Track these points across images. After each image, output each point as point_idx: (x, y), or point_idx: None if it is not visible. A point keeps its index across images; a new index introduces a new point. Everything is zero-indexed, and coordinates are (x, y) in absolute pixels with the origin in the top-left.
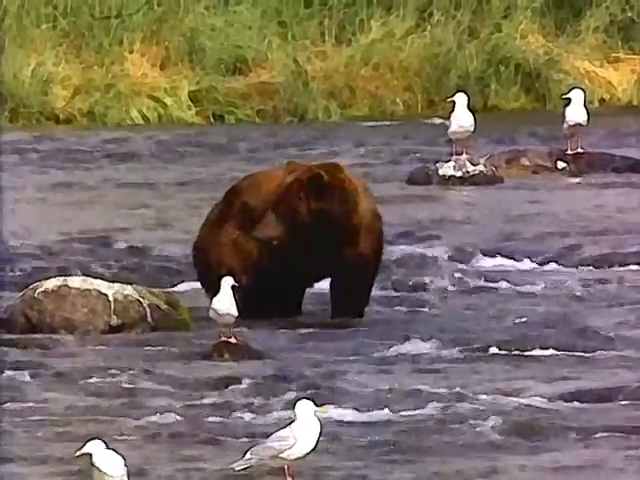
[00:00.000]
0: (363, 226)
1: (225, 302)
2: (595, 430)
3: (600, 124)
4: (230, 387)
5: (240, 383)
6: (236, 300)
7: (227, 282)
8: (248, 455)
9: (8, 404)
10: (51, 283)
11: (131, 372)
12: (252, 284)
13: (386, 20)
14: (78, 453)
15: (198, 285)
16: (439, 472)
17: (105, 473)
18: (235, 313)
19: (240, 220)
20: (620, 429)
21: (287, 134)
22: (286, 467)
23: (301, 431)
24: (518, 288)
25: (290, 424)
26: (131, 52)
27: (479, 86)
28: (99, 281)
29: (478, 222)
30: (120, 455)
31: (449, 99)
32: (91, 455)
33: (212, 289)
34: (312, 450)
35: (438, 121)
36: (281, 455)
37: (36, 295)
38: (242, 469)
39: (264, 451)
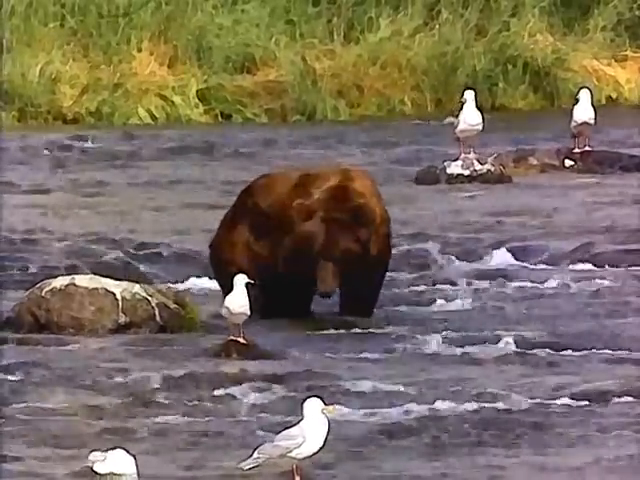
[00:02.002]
0: (372, 229)
1: (239, 301)
2: None
3: (608, 122)
4: (237, 387)
5: (248, 383)
6: (250, 299)
7: (240, 280)
8: (256, 454)
9: (15, 403)
10: (58, 282)
11: (139, 371)
12: (261, 284)
13: (394, 19)
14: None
15: None
16: None
17: (116, 473)
18: (248, 312)
19: (251, 222)
20: None
21: (298, 132)
22: (294, 466)
23: (310, 430)
24: (527, 286)
25: (298, 423)
26: (139, 51)
27: (487, 85)
28: (107, 279)
29: (487, 221)
30: (131, 454)
31: (462, 98)
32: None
33: (226, 287)
34: (320, 449)
35: (446, 120)
36: (289, 454)
37: (43, 294)
38: (250, 468)
39: (272, 450)
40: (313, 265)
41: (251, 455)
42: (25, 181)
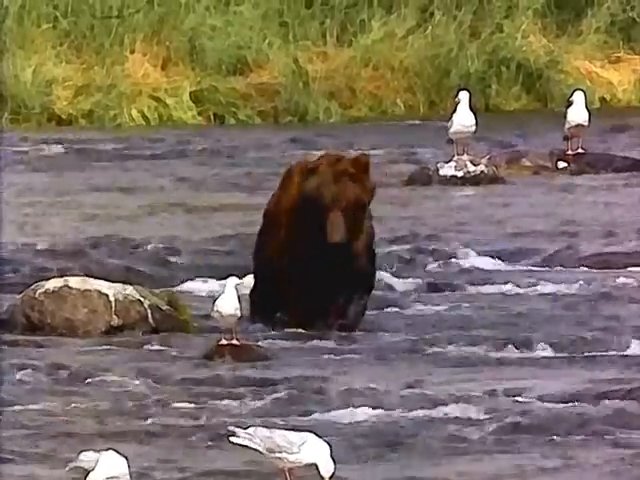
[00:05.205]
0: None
1: (229, 303)
2: None
3: (601, 124)
4: (230, 389)
5: (242, 385)
6: (240, 301)
7: (231, 282)
8: (251, 430)
9: (8, 405)
10: (52, 283)
11: (132, 373)
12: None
13: (387, 20)
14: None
15: None
16: None
17: (108, 476)
18: (239, 314)
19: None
20: None
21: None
22: (285, 467)
23: (309, 445)
24: (518, 289)
25: (301, 432)
26: (132, 52)
27: (480, 86)
28: (100, 281)
29: (479, 223)
30: (123, 456)
31: (456, 98)
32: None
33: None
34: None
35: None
36: (278, 454)
37: (37, 295)
38: (237, 444)
39: (265, 438)
40: (322, 217)
41: (246, 428)
42: None
